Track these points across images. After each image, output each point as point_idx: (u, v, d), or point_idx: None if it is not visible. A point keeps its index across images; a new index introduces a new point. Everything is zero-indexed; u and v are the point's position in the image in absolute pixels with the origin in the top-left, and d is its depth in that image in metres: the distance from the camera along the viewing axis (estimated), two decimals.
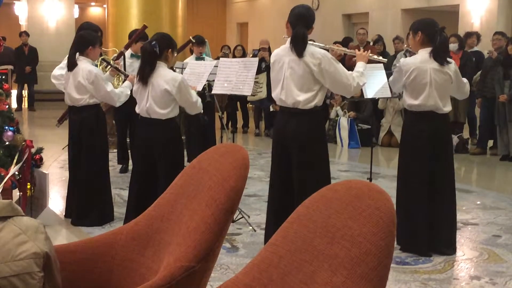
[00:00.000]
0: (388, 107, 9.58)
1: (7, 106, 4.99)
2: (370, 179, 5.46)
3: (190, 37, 7.44)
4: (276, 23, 14.78)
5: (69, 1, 16.54)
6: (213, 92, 5.45)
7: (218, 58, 8.10)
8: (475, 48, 9.65)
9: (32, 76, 14.38)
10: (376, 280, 1.71)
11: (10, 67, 13.40)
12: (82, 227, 5.04)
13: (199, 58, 7.68)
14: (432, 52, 4.40)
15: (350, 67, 4.48)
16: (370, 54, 4.61)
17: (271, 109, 10.21)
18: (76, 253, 2.41)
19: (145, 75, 4.52)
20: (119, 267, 2.43)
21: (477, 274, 4.15)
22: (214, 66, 5.66)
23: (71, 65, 5.02)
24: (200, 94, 5.78)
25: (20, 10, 17.38)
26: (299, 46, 4.13)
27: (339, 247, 1.80)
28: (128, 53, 6.72)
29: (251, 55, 10.93)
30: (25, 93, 14.78)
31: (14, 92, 12.71)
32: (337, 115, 9.82)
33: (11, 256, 1.86)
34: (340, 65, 4.20)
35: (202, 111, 4.93)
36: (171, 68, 4.95)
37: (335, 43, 8.67)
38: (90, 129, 5.09)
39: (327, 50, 4.34)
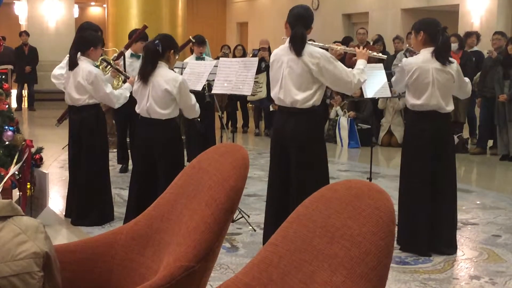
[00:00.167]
0: (388, 107, 9.58)
1: (7, 106, 4.99)
2: (370, 179, 5.45)
3: (190, 37, 7.44)
4: (276, 23, 14.77)
5: (69, 1, 16.55)
6: (213, 91, 5.45)
7: (218, 58, 8.10)
8: (475, 48, 9.66)
9: (32, 75, 14.38)
10: (375, 279, 1.71)
11: (10, 66, 13.37)
12: (82, 227, 5.04)
13: (199, 58, 7.68)
14: (434, 52, 4.41)
15: (351, 66, 4.49)
16: (370, 51, 4.62)
17: (271, 109, 10.20)
18: (76, 253, 2.41)
19: (146, 74, 4.53)
20: (119, 267, 2.43)
21: (477, 274, 4.15)
22: (214, 66, 5.66)
23: (72, 64, 5.02)
24: (200, 94, 5.78)
25: (20, 10, 17.38)
26: (297, 46, 4.13)
27: (339, 246, 1.80)
28: (128, 52, 6.71)
29: (251, 55, 10.93)
30: (25, 92, 14.78)
31: (14, 92, 12.70)
32: (337, 115, 9.82)
33: (11, 256, 1.86)
34: (339, 63, 4.21)
35: (198, 117, 4.93)
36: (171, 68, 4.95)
37: (335, 42, 8.67)
38: (90, 129, 5.09)
39: (327, 50, 4.35)
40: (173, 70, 4.81)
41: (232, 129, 9.98)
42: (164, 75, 4.50)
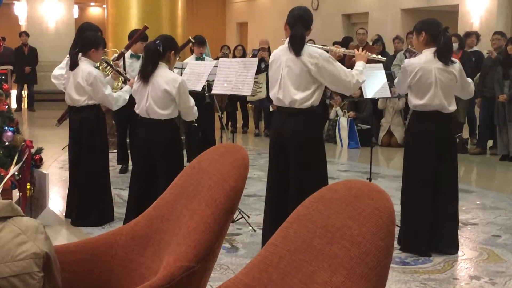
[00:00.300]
0: (387, 107, 9.58)
1: (6, 107, 4.99)
2: (370, 179, 5.45)
3: (190, 37, 7.44)
4: (276, 23, 14.77)
5: (69, 1, 16.54)
6: (212, 92, 5.45)
7: (217, 58, 8.10)
8: (475, 48, 9.65)
9: (31, 76, 14.37)
10: (375, 280, 1.71)
11: (10, 67, 13.39)
12: (82, 227, 5.05)
13: (199, 58, 7.68)
14: (436, 52, 4.41)
15: (350, 67, 4.49)
16: (369, 54, 4.62)
17: (271, 109, 10.19)
18: (76, 253, 2.41)
19: (146, 74, 4.54)
20: (119, 267, 2.44)
21: (477, 274, 4.15)
22: (214, 66, 5.66)
23: (73, 64, 5.02)
24: (200, 94, 5.78)
25: (20, 10, 17.38)
26: (297, 45, 4.14)
27: (339, 247, 1.80)
28: (127, 53, 6.72)
29: (250, 55, 10.93)
30: (24, 93, 14.77)
31: (13, 92, 12.71)
32: (337, 115, 9.82)
33: (11, 256, 1.86)
34: (338, 63, 4.22)
35: (196, 121, 4.92)
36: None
37: (334, 44, 8.67)
38: (90, 129, 5.09)
39: (326, 51, 4.35)
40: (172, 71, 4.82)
41: (232, 130, 9.96)
42: (164, 76, 4.51)
